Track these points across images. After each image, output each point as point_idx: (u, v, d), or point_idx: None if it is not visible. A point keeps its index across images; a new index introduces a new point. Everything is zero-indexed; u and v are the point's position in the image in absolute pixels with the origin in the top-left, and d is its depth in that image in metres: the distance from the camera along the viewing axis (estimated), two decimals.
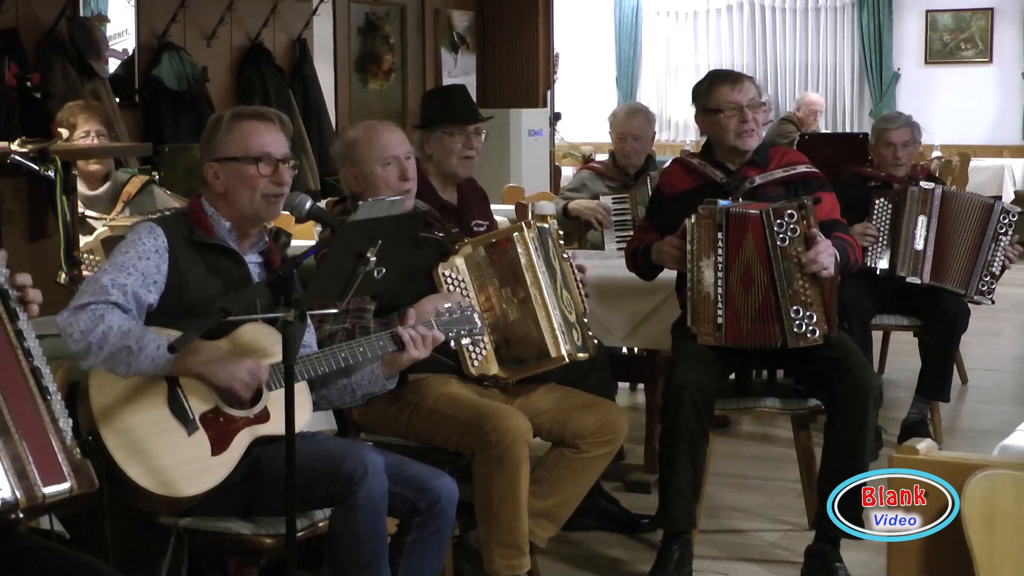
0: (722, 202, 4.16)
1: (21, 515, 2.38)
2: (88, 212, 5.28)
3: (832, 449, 4.11)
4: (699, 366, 4.13)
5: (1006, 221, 5.63)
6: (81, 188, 5.24)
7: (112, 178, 5.42)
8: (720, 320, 4.12)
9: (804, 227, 4.04)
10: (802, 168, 4.46)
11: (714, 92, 4.40)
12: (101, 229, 5.07)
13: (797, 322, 4.04)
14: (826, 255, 4.05)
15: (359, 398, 3.50)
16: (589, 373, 4.26)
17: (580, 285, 4.08)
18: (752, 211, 4.10)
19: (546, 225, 4.07)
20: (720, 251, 4.10)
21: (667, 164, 4.81)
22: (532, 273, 3.89)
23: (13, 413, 2.38)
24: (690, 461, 4.11)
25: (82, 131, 5.39)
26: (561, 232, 4.18)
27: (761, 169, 4.42)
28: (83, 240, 5.06)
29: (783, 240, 4.04)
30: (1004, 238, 5.62)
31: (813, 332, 4.05)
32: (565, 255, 4.07)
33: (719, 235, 4.10)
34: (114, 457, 2.97)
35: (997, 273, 5.65)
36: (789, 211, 4.05)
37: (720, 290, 4.11)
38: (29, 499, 2.35)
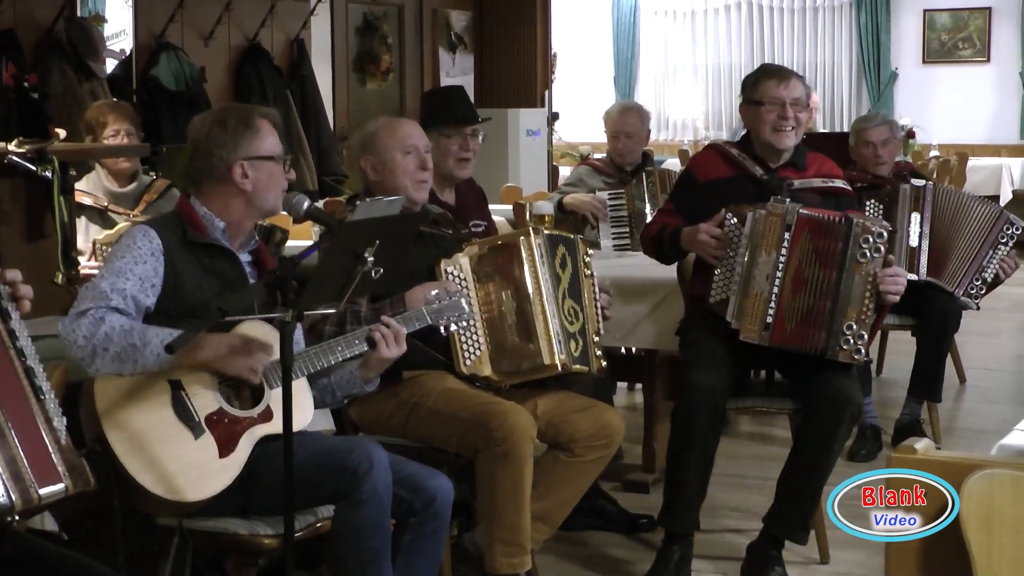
0: (788, 201, 4.11)
1: (17, 518, 2.37)
2: (112, 207, 5.41)
3: (797, 452, 4.11)
4: (715, 367, 4.11)
5: (1009, 232, 5.57)
6: (108, 184, 5.45)
7: (139, 178, 5.56)
8: (769, 320, 4.09)
9: (886, 250, 4.01)
10: (839, 183, 4.44)
11: (760, 84, 4.37)
12: (123, 224, 5.15)
13: (846, 337, 4.00)
14: (902, 282, 4.03)
15: (340, 399, 3.51)
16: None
17: (599, 307, 4.08)
18: (835, 218, 4.04)
19: (575, 238, 4.08)
20: (784, 250, 4.08)
21: (701, 150, 4.76)
22: (534, 278, 3.88)
23: (7, 415, 2.37)
24: (700, 464, 4.09)
25: (111, 130, 5.50)
26: (591, 252, 4.16)
27: (799, 172, 4.39)
28: (104, 233, 5.23)
29: (863, 255, 3.99)
30: (1003, 248, 5.58)
31: (858, 352, 4.01)
32: (589, 272, 4.07)
33: (786, 235, 4.07)
34: (124, 464, 2.98)
35: (989, 280, 5.59)
36: (879, 231, 4.00)
37: (776, 290, 4.08)
38: (25, 502, 2.35)
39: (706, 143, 6.49)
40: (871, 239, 3.99)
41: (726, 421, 5.65)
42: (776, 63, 14.37)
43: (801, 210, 4.09)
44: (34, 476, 2.36)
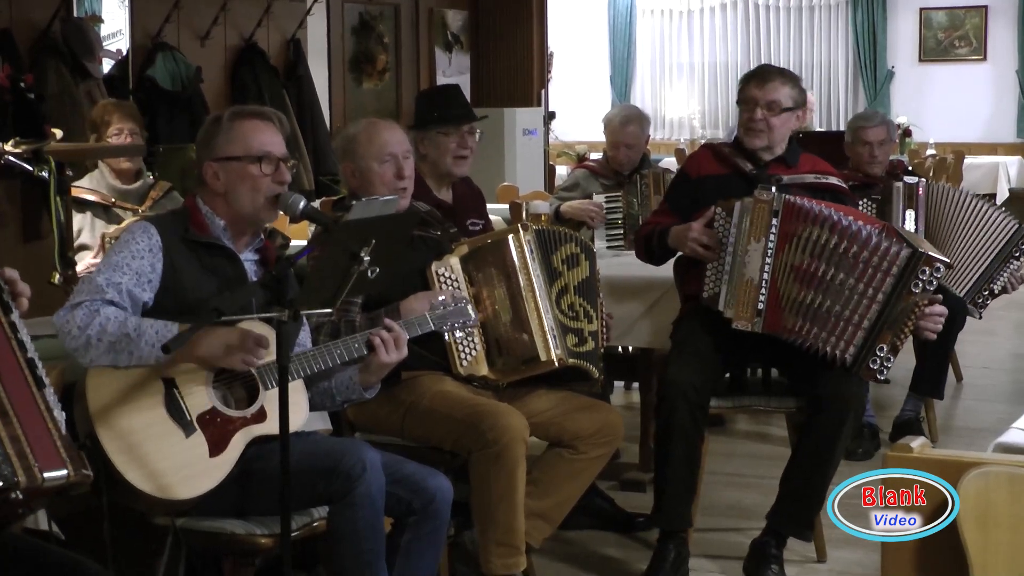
0: (774, 189, 4.10)
1: (20, 496, 2.35)
2: (119, 203, 5.44)
3: (802, 450, 4.12)
4: (694, 364, 4.11)
5: (1023, 247, 5.52)
6: (113, 182, 5.47)
7: (143, 176, 5.60)
8: (761, 306, 4.06)
9: (936, 285, 3.96)
10: (834, 180, 4.44)
11: (745, 84, 4.41)
12: (130, 220, 5.17)
13: (875, 358, 3.96)
14: (941, 322, 4.01)
15: (339, 403, 3.50)
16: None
17: (605, 328, 4.08)
18: (892, 245, 3.94)
19: (593, 248, 4.10)
20: (773, 236, 4.04)
21: (696, 150, 4.77)
22: (525, 275, 3.88)
23: (11, 399, 2.38)
24: (685, 459, 4.10)
25: (115, 129, 5.52)
26: (600, 271, 4.16)
27: (789, 168, 4.39)
28: (112, 227, 5.24)
29: (916, 286, 3.91)
30: (1015, 262, 5.54)
31: (882, 374, 3.98)
32: (600, 295, 4.06)
33: (773, 220, 4.03)
34: (113, 461, 2.98)
35: (996, 292, 5.57)
36: (939, 264, 3.92)
37: (767, 276, 4.05)
38: (29, 479, 2.34)
39: (703, 142, 6.50)
40: (930, 271, 3.90)
41: (718, 419, 5.66)
42: (774, 62, 14.50)
43: (788, 196, 4.06)
44: (37, 459, 2.36)
